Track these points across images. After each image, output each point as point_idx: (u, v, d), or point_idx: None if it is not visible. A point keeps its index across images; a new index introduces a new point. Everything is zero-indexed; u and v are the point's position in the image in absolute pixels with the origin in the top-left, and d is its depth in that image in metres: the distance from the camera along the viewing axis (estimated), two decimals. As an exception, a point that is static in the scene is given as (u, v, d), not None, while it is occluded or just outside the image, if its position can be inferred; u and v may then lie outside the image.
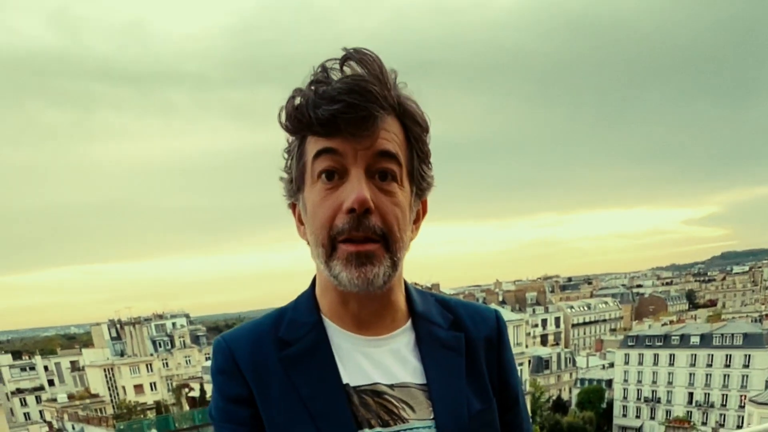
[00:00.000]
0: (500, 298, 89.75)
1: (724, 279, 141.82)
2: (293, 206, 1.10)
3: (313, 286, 1.14)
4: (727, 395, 60.83)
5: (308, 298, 1.14)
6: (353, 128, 0.95)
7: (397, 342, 1.12)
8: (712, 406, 61.46)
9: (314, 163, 0.99)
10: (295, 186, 1.05)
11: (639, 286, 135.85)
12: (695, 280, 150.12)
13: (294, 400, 1.05)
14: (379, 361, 1.09)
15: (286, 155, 1.06)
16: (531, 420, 1.16)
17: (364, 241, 0.99)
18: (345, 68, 0.96)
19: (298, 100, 0.97)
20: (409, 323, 1.14)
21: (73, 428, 47.20)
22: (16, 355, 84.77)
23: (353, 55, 0.97)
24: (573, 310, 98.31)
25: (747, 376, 59.37)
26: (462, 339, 1.15)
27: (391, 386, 1.08)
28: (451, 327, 1.16)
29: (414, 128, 1.04)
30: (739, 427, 48.66)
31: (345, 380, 1.07)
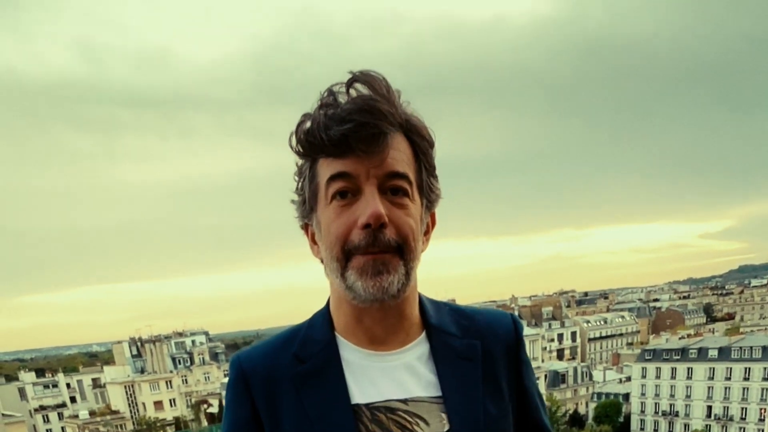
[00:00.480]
0: (516, 313, 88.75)
1: (741, 292, 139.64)
2: (306, 227, 1.11)
3: (328, 304, 1.15)
4: (746, 408, 59.59)
5: (323, 315, 1.14)
6: (365, 146, 0.96)
7: (410, 355, 1.11)
8: (732, 419, 60.22)
9: (328, 186, 1.00)
10: (308, 207, 1.06)
11: (656, 300, 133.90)
12: (713, 294, 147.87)
13: (302, 421, 1.05)
14: (392, 376, 1.09)
15: (296, 178, 1.07)
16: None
17: (378, 253, 1.00)
18: (352, 90, 0.98)
19: (308, 124, 0.99)
20: (423, 335, 1.13)
21: (94, 444, 47.40)
22: (40, 372, 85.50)
23: (359, 77, 0.98)
24: (589, 324, 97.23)
25: (767, 390, 58.18)
26: (478, 346, 1.14)
27: (405, 401, 1.08)
28: (465, 335, 1.15)
29: (421, 143, 1.05)
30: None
31: (357, 398, 1.07)
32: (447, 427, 1.07)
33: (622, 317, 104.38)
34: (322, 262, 1.09)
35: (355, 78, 0.99)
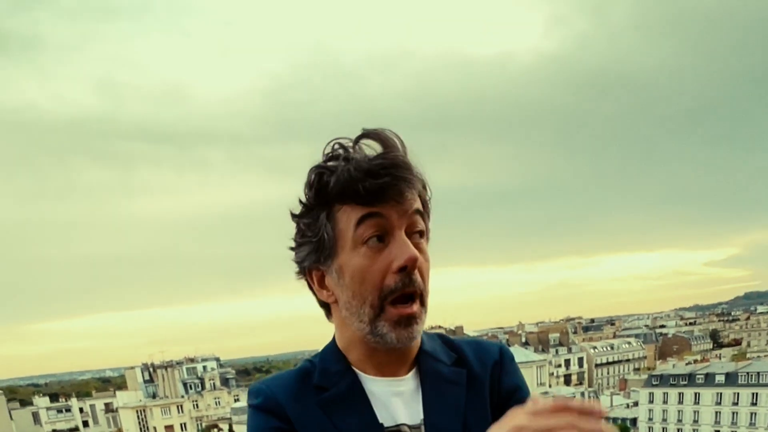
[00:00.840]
0: (523, 340, 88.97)
1: (748, 318, 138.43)
2: (309, 272, 1.13)
3: (334, 341, 1.19)
4: (754, 434, 59.24)
5: (333, 350, 1.18)
6: (398, 197, 1.03)
7: (415, 382, 1.17)
8: (739, 444, 59.86)
9: (358, 229, 1.04)
10: (326, 253, 1.08)
11: (662, 326, 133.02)
12: (719, 320, 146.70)
13: None
14: (403, 401, 1.15)
15: (303, 225, 1.10)
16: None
17: (408, 301, 1.06)
18: (366, 144, 1.06)
19: (332, 176, 1.04)
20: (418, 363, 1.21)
21: (109, 467, 47.65)
22: (54, 397, 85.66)
23: (375, 134, 1.07)
24: (596, 350, 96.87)
25: (774, 414, 57.91)
26: (464, 374, 1.19)
27: (411, 427, 1.13)
28: (454, 364, 1.20)
29: (424, 191, 1.12)
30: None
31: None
32: None
33: (629, 343, 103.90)
34: (327, 305, 1.16)
35: (369, 133, 1.07)
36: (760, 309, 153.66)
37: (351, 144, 1.06)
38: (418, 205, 1.07)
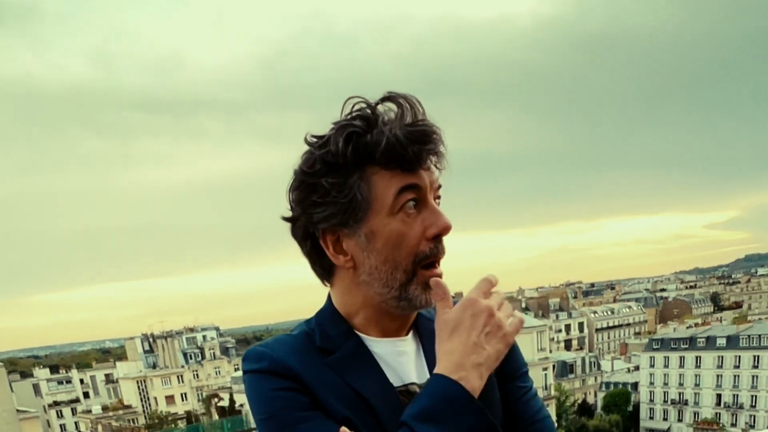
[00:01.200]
0: (523, 305, 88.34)
1: (748, 281, 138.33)
2: (323, 234, 1.08)
3: (330, 306, 1.16)
4: (756, 396, 58.91)
5: (331, 314, 1.15)
6: (435, 166, 1.06)
7: (412, 343, 1.17)
8: (741, 407, 59.53)
9: (399, 196, 1.03)
10: (356, 215, 1.03)
11: (662, 290, 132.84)
12: (719, 283, 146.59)
13: (353, 397, 1.07)
14: (408, 361, 1.15)
15: (327, 183, 1.03)
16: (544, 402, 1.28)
17: (436, 265, 1.08)
18: (388, 107, 1.04)
19: (377, 137, 1.00)
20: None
21: (107, 438, 47.22)
22: (54, 369, 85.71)
23: (403, 98, 1.04)
24: (596, 314, 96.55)
25: (776, 377, 57.46)
26: None
27: (420, 385, 1.12)
28: None
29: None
30: (770, 427, 46.88)
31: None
32: None
33: (629, 307, 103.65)
34: (329, 269, 1.12)
35: (404, 96, 1.04)
36: (761, 271, 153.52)
37: (374, 104, 1.04)
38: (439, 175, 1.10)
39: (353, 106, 1.04)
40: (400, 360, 1.13)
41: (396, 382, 1.11)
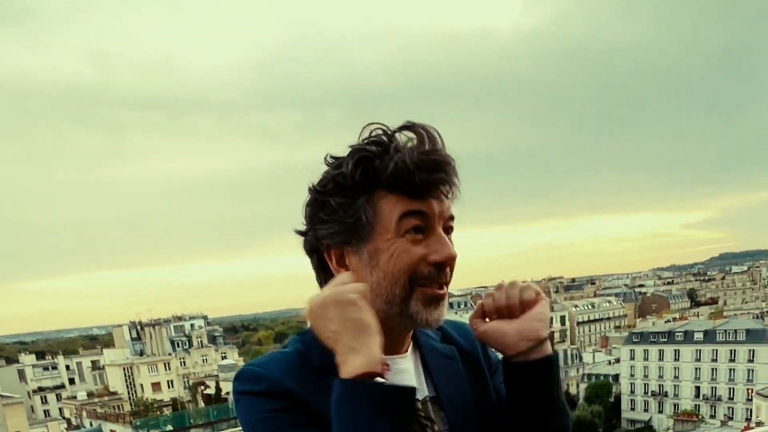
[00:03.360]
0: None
1: (723, 278, 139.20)
2: (327, 249, 1.08)
3: None
4: (733, 389, 58.91)
5: None
6: (444, 196, 1.04)
7: (413, 358, 1.16)
8: (720, 399, 59.54)
9: (402, 220, 1.02)
10: (360, 235, 1.03)
11: (641, 285, 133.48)
12: (696, 280, 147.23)
13: None
14: (404, 378, 1.11)
15: (335, 203, 1.04)
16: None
17: (438, 285, 1.06)
18: (405, 136, 1.04)
19: (387, 163, 1.00)
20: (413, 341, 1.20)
21: (91, 425, 45.95)
22: (40, 355, 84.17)
23: (421, 127, 1.04)
24: (577, 308, 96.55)
25: (753, 371, 57.57)
26: (455, 349, 1.21)
27: (420, 401, 1.11)
28: (442, 341, 1.21)
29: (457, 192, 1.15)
30: (748, 419, 46.72)
31: None
32: (447, 425, 1.12)
33: (609, 302, 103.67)
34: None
35: (423, 126, 1.04)
36: (735, 269, 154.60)
37: (392, 132, 1.04)
38: (451, 208, 1.08)
39: (371, 132, 1.04)
40: (401, 377, 1.09)
41: None
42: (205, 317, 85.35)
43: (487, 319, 1.13)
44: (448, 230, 1.07)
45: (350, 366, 0.93)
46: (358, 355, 0.93)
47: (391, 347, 1.09)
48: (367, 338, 0.94)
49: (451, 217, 1.07)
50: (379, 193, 1.02)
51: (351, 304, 0.94)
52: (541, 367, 1.10)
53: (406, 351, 1.14)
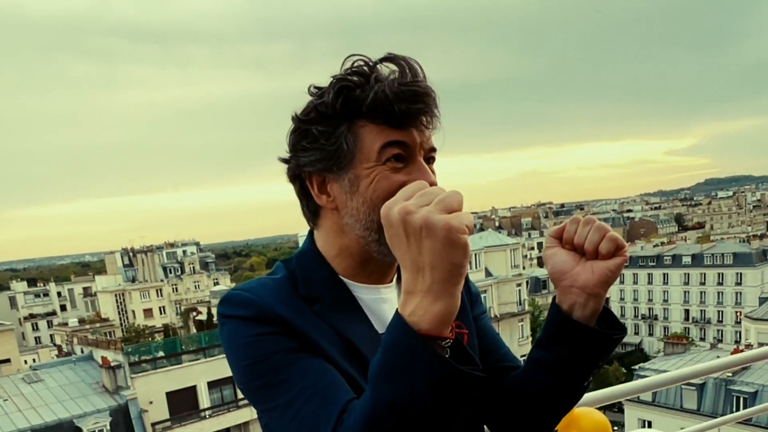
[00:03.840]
0: (497, 224, 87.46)
1: (709, 203, 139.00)
2: (309, 176, 1.08)
3: (312, 248, 1.13)
4: (722, 312, 59.23)
5: (313, 257, 1.12)
6: (424, 126, 1.04)
7: (395, 290, 1.13)
8: (709, 322, 59.97)
9: (384, 150, 1.02)
10: (341, 163, 1.04)
11: (629, 210, 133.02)
12: (682, 205, 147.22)
13: (341, 343, 1.02)
14: (388, 309, 1.10)
15: (316, 131, 1.04)
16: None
17: None
18: (386, 67, 1.03)
19: (367, 92, 1.00)
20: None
21: (82, 351, 45.26)
22: (32, 282, 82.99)
23: (402, 59, 1.03)
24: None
25: (741, 294, 57.76)
26: None
27: None
28: None
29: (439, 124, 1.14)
30: (737, 342, 46.79)
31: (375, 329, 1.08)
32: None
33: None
34: (316, 211, 1.11)
35: (404, 58, 1.03)
36: (721, 194, 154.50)
37: (373, 63, 1.04)
38: (433, 140, 1.08)
39: (353, 63, 1.04)
40: (383, 307, 1.09)
41: (380, 328, 1.06)
42: (197, 244, 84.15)
43: (565, 246, 1.07)
44: (430, 160, 1.07)
45: (422, 308, 0.82)
46: (438, 301, 0.82)
47: (375, 276, 1.10)
48: (457, 289, 0.83)
49: (433, 149, 1.07)
50: (360, 122, 1.02)
51: (461, 248, 0.80)
52: (610, 341, 1.06)
53: (391, 281, 1.13)
